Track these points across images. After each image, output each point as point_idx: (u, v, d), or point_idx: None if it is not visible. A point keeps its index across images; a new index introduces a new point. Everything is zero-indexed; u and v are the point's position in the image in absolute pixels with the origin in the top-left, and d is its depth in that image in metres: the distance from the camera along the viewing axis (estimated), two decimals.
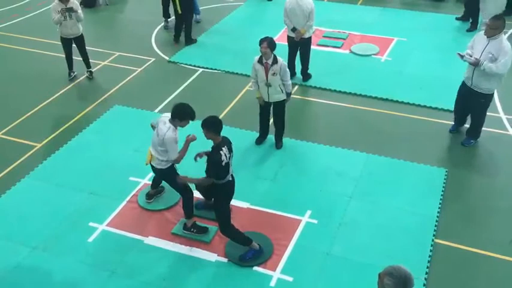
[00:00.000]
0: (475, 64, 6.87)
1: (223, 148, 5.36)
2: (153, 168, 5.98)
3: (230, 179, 5.60)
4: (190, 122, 5.73)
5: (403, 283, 3.32)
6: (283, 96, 7.24)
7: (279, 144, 7.60)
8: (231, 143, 5.55)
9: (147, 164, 6.00)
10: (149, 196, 6.57)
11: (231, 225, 5.69)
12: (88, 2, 12.74)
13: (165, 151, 5.68)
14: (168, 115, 5.71)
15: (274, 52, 6.95)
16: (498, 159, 7.34)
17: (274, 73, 6.93)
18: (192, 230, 6.04)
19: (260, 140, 7.67)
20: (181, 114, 5.62)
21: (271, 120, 7.62)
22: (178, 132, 5.71)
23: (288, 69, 7.08)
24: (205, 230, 6.06)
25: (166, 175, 5.99)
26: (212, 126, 5.34)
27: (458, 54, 7.08)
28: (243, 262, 5.69)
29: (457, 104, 7.67)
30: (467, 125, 7.77)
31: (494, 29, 6.78)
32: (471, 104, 7.34)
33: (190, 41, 10.88)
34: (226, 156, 5.34)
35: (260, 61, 6.96)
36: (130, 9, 13.07)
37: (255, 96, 7.37)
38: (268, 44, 6.77)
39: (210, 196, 6.23)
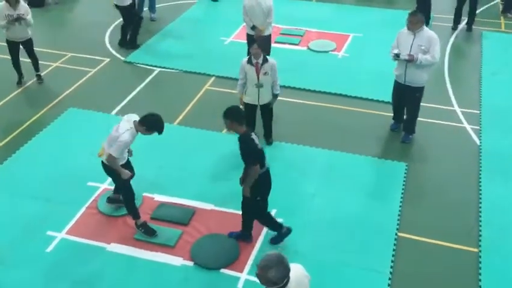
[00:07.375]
0: (411, 60, 7.01)
1: (252, 134, 5.29)
2: (102, 163, 5.80)
3: (268, 167, 5.50)
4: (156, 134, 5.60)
5: (280, 263, 3.35)
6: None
7: (269, 139, 7.55)
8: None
9: (99, 156, 5.81)
10: (110, 200, 6.35)
11: (265, 214, 5.75)
12: (36, 2, 12.23)
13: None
14: (136, 117, 5.56)
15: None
16: (455, 151, 7.52)
17: (265, 72, 6.86)
18: (140, 228, 5.93)
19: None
20: (151, 124, 5.47)
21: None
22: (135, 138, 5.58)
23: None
24: (153, 233, 5.93)
25: (111, 170, 5.79)
26: (235, 116, 5.22)
27: (395, 54, 7.08)
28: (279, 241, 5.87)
29: (394, 101, 7.79)
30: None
31: (416, 23, 6.99)
32: (406, 99, 7.48)
33: (126, 44, 10.41)
34: (258, 140, 5.28)
35: (250, 61, 6.84)
36: (81, 8, 12.68)
37: (237, 99, 7.32)
38: (259, 44, 6.81)
39: None
